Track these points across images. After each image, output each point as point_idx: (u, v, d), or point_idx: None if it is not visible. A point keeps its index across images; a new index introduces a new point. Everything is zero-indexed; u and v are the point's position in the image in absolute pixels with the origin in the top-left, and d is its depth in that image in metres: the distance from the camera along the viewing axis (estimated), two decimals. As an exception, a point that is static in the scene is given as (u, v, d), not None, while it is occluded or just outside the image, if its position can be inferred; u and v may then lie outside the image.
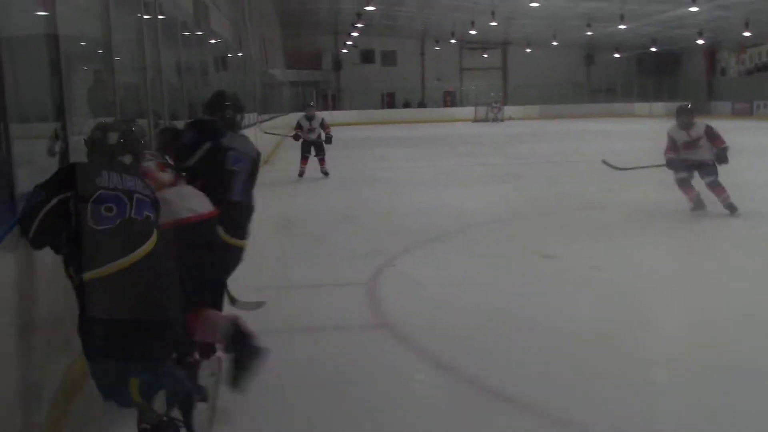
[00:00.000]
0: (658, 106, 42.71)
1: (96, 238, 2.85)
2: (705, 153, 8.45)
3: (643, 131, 26.76)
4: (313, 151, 13.30)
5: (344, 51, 44.78)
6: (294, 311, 5.14)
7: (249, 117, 15.32)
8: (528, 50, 44.54)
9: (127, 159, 3.26)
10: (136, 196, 3.06)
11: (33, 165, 4.24)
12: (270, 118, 20.75)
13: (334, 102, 43.55)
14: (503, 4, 31.56)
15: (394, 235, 7.75)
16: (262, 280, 5.91)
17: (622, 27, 32.61)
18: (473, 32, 37.46)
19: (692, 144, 8.46)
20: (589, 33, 37.21)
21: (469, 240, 7.70)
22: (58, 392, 3.32)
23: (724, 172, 8.42)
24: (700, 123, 8.66)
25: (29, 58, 4.46)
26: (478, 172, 14.19)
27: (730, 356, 4.09)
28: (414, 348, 4.37)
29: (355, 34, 39.21)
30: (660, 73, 45.64)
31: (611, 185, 11.38)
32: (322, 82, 44.67)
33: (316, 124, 13.26)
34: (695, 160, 8.46)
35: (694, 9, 27.09)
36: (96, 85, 6.20)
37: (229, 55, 14.53)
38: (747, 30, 32.22)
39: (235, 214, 3.96)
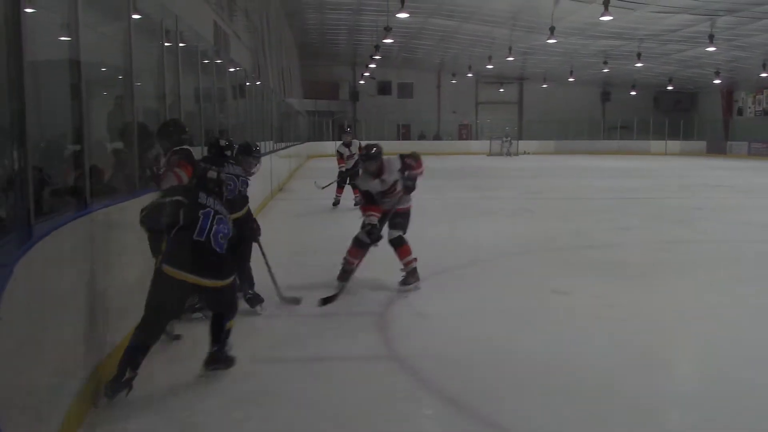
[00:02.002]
0: (674, 145, 42.76)
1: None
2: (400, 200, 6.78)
3: (658, 169, 26.75)
4: (349, 180, 13.13)
5: (361, 82, 45.09)
6: (305, 340, 5.14)
7: (265, 145, 15.44)
8: (544, 86, 44.71)
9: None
10: (240, 178, 5.83)
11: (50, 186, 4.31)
12: (285, 147, 20.89)
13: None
14: (521, 40, 31.76)
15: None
16: (274, 308, 5.93)
17: (639, 65, 32.71)
18: (490, 67, 37.66)
19: (388, 192, 6.75)
20: (605, 70, 37.35)
21: (480, 273, 7.68)
22: (68, 414, 3.33)
23: (738, 212, 8.34)
24: (393, 161, 6.71)
25: (51, 83, 4.54)
26: (491, 205, 14.17)
27: (742, 400, 4.04)
28: (423, 381, 4.35)
29: (372, 65, 39.51)
30: (676, 111, 45.71)
31: (625, 223, 11.37)
32: (338, 113, 44.94)
33: (354, 149, 13.14)
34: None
35: (711, 49, 27.14)
36: (116, 110, 6.29)
37: (248, 84, 14.68)
38: (764, 71, 32.25)
39: None
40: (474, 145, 42.51)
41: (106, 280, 4.16)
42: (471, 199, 15.78)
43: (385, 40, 27.67)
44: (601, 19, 22.02)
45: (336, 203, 13.28)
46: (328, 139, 39.99)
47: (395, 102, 46.10)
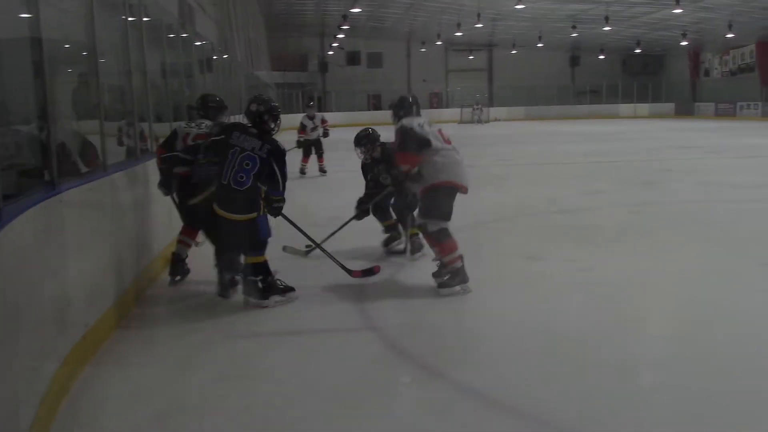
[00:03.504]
0: (643, 107, 43.12)
1: None
2: None
3: (628, 132, 26.96)
4: (313, 150, 14.19)
5: (330, 53, 44.74)
6: (282, 314, 5.13)
7: (234, 119, 15.27)
8: (513, 52, 44.68)
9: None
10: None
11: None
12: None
13: (320, 104, 43.47)
14: (489, 6, 31.64)
15: (380, 236, 7.74)
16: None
17: (606, 29, 32.78)
18: (459, 34, 37.53)
19: None
20: (574, 35, 37.37)
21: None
22: (44, 398, 3.30)
23: (706, 172, 8.40)
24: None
25: (12, 61, 4.43)
26: (464, 173, 14.17)
27: (718, 356, 4.12)
28: (400, 350, 4.38)
29: (341, 36, 39.18)
30: (644, 74, 46.04)
31: (596, 187, 11.46)
32: (307, 84, 44.61)
33: (317, 122, 14.14)
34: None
35: (677, 11, 27.29)
36: (80, 87, 6.16)
37: (215, 57, 14.48)
38: (730, 32, 32.48)
39: None
40: (445, 113, 42.43)
41: (77, 261, 4.10)
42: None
43: (352, 10, 27.44)
44: (569, -17, 22.01)
45: (302, 171, 14.12)
46: (297, 112, 39.62)
47: (365, 72, 45.84)
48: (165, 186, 5.85)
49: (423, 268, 6.25)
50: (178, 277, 5.91)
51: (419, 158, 5.40)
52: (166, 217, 6.46)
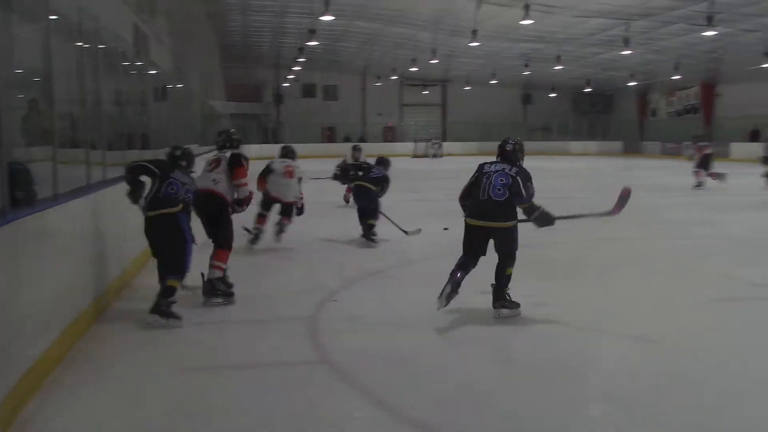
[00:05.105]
0: (592, 145, 44.06)
1: None
2: None
3: (577, 170, 27.49)
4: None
5: (285, 84, 44.80)
6: (234, 348, 5.06)
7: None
8: (467, 88, 45.33)
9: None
10: (186, 186, 5.89)
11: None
12: (210, 150, 20.54)
13: (274, 135, 43.40)
14: (444, 43, 32.14)
15: (334, 269, 7.73)
16: (203, 315, 5.82)
17: (558, 68, 33.54)
18: (414, 69, 38.00)
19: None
20: (526, 73, 38.15)
21: (409, 276, 7.72)
22: None
23: (654, 210, 8.49)
24: None
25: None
26: (418, 207, 14.24)
27: (662, 395, 4.18)
28: (354, 384, 4.34)
29: (297, 68, 39.32)
30: (594, 112, 47.14)
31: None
32: (262, 115, 44.52)
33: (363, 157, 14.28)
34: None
35: (626, 52, 28.09)
36: (30, 114, 6.04)
37: (169, 86, 14.38)
38: (676, 73, 33.49)
39: None
40: (399, 147, 42.72)
41: (27, 291, 3.99)
42: (397, 201, 15.80)
43: (309, 43, 27.58)
44: (522, 22, 22.52)
45: (347, 200, 13.94)
46: (253, 142, 39.54)
47: (320, 104, 45.96)
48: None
49: (378, 301, 6.25)
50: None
51: (265, 184, 9.21)
52: (117, 248, 6.34)
